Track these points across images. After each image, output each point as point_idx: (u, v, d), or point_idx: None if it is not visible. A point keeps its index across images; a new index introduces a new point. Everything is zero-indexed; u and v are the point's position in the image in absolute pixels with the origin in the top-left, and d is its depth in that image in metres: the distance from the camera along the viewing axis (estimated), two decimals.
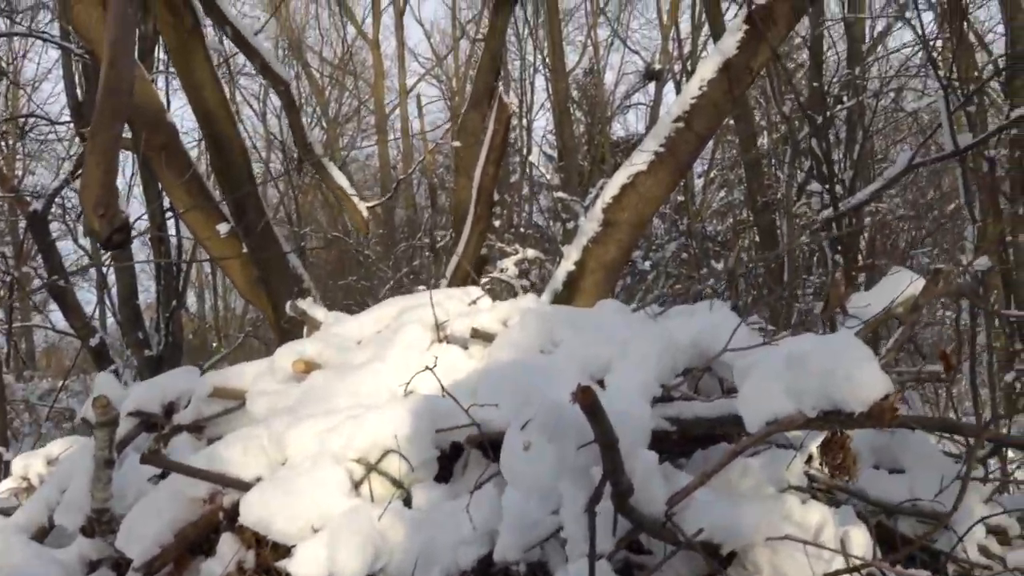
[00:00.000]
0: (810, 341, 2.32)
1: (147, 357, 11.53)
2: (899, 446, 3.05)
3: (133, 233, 12.43)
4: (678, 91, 19.03)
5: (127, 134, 6.78)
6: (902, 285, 3.07)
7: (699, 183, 19.77)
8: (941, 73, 6.42)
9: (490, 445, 2.72)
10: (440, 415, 2.79)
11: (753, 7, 6.75)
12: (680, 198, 15.29)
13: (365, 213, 5.69)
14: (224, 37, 5.70)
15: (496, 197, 6.96)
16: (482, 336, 3.33)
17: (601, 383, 2.89)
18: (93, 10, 5.73)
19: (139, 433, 3.55)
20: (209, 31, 6.47)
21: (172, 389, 3.61)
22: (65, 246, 15.02)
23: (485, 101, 8.25)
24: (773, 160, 14.58)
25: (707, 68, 6.96)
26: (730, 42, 6.89)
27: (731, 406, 2.61)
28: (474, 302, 3.67)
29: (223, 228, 6.22)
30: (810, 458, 2.95)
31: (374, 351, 3.31)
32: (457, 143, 6.23)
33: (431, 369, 2.80)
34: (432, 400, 2.84)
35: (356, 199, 5.73)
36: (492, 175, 6.48)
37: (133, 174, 12.08)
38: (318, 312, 4.17)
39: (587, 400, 2.01)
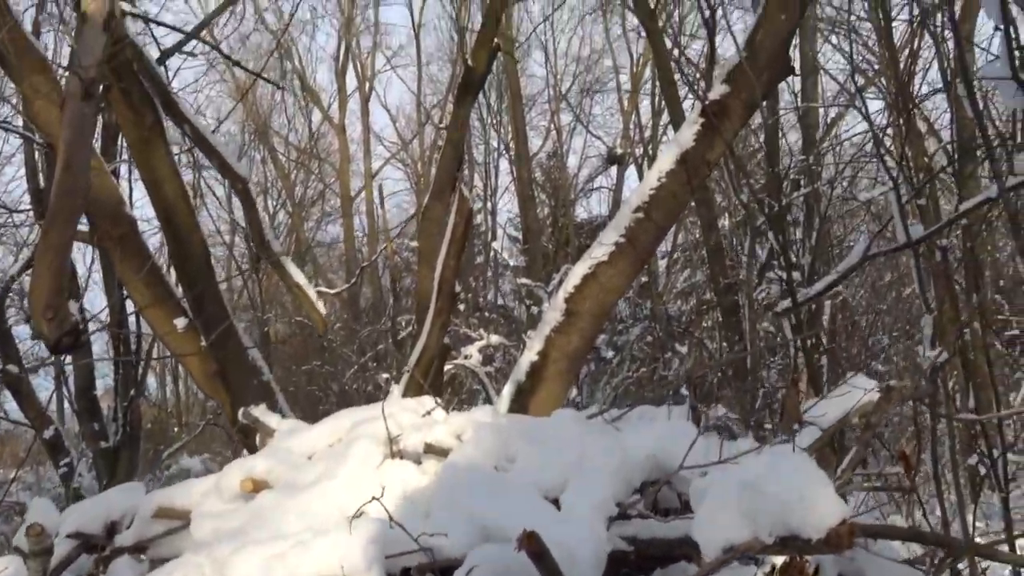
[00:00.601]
0: (766, 463, 2.29)
1: (103, 449, 11.24)
2: (863, 558, 3.00)
3: (93, 325, 12.31)
4: (640, 175, 19.37)
5: (85, 226, 6.71)
6: (858, 394, 3.07)
7: (663, 263, 19.98)
8: (891, 165, 6.57)
9: (441, 573, 2.63)
10: (390, 540, 2.70)
11: (707, 102, 6.91)
12: (644, 278, 15.43)
13: (323, 311, 5.65)
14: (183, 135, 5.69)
15: (458, 288, 6.95)
16: (436, 451, 3.26)
17: (556, 502, 2.83)
18: (52, 108, 5.71)
19: (78, 555, 3.40)
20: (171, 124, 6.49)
21: (115, 508, 3.47)
22: (23, 330, 14.74)
23: (448, 190, 8.29)
24: (735, 241, 14.80)
25: (665, 160, 7.07)
26: (687, 134, 7.02)
27: (688, 527, 2.56)
28: (428, 413, 3.61)
29: (180, 323, 6.13)
30: (772, 569, 2.90)
31: (326, 467, 3.22)
32: (415, 243, 6.19)
33: (379, 500, 2.71)
34: (382, 525, 2.75)
35: (315, 297, 5.68)
36: (453, 268, 6.48)
37: (92, 262, 11.95)
38: (271, 420, 4.08)
39: (532, 547, 1.97)
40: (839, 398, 3.13)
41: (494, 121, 20.40)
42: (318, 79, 25.00)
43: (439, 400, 3.87)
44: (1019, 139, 5.11)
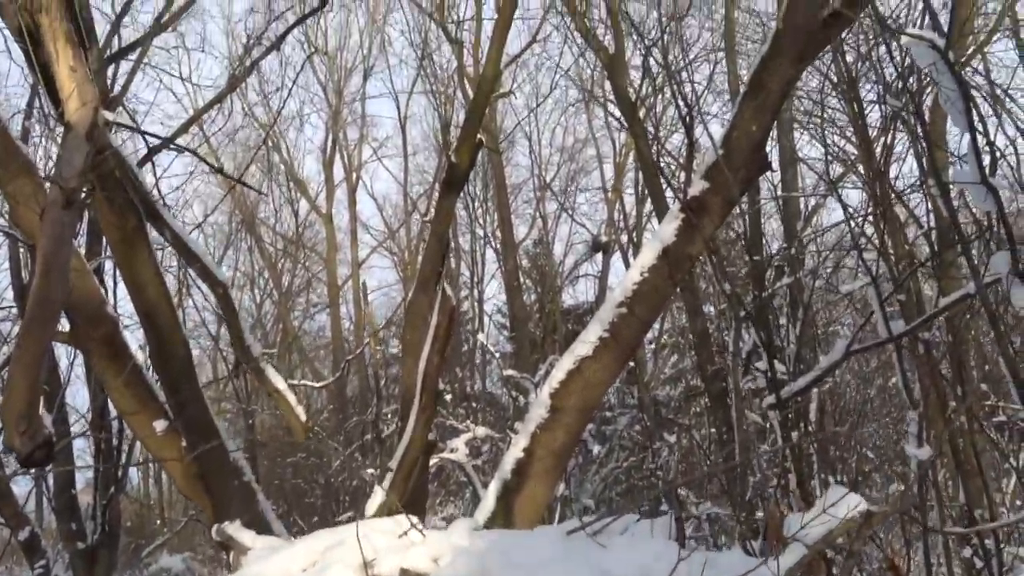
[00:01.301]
0: None
1: (80, 549, 10.97)
2: None
3: (75, 425, 12.14)
4: (625, 262, 19.51)
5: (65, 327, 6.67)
6: (842, 509, 3.03)
7: (650, 348, 19.97)
8: (870, 259, 6.64)
9: None
10: None
11: (686, 199, 7.00)
12: (631, 363, 15.40)
13: (303, 417, 5.59)
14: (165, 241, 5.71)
15: (443, 384, 6.91)
16: None
17: None
18: (34, 214, 5.73)
19: None
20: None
21: None
22: None
23: (432, 283, 8.32)
24: (722, 324, 14.82)
25: (647, 255, 7.12)
26: (668, 230, 7.09)
27: None
28: (404, 534, 3.53)
29: (160, 426, 6.04)
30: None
31: None
32: (399, 346, 6.17)
33: None
34: None
35: (294, 403, 5.63)
36: (437, 365, 6.45)
37: (74, 356, 11.83)
38: (245, 537, 3.99)
39: None
40: (823, 512, 3.09)
41: (480, 210, 20.63)
42: (305, 169, 25.30)
43: (415, 521, 3.78)
44: (995, 235, 5.18)
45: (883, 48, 6.79)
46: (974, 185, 3.80)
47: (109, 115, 4.71)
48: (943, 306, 5.33)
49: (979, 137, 4.14)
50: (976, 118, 5.01)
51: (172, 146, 5.31)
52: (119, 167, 5.03)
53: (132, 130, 5.37)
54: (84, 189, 4.61)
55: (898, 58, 6.51)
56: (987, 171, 4.08)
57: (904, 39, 4.44)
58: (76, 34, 5.56)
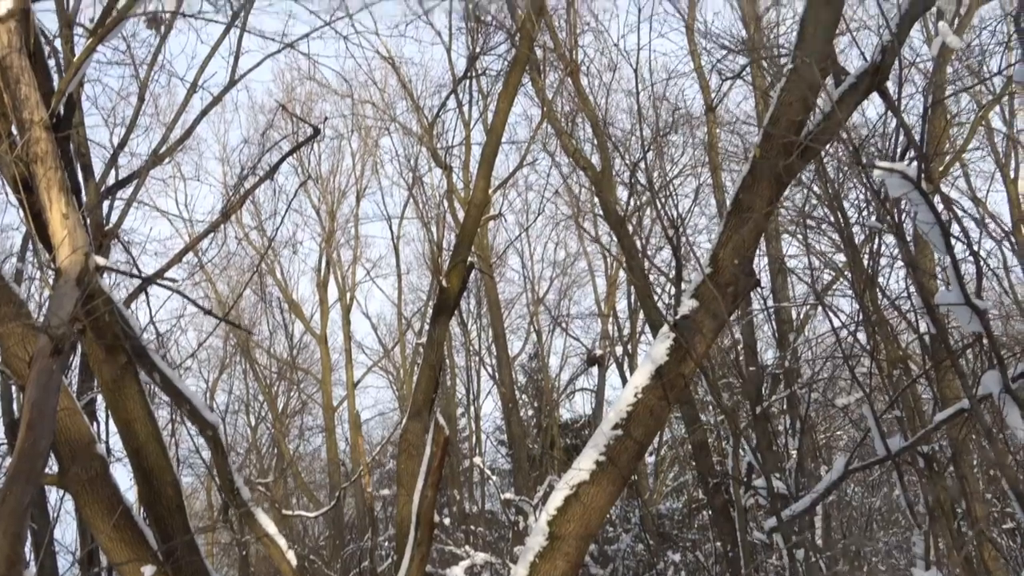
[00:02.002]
0: None
1: None
2: None
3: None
4: (621, 374, 19.43)
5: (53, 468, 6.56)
6: None
7: (651, 460, 19.70)
8: (865, 371, 6.61)
9: None
10: None
11: (676, 319, 7.03)
12: (633, 477, 15.15)
13: (294, 563, 5.44)
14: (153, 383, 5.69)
15: (438, 518, 6.78)
16: None
17: None
18: (23, 359, 5.73)
19: None
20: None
21: None
22: None
23: (426, 411, 8.26)
24: (720, 432, 14.66)
25: (640, 375, 7.10)
26: (660, 349, 7.09)
27: None
28: None
29: (149, 571, 5.87)
30: None
31: None
32: (388, 490, 6.08)
33: None
34: None
35: (285, 548, 5.50)
36: (431, 499, 6.35)
37: (61, 496, 11.59)
38: None
39: None
40: None
41: (474, 327, 20.67)
42: (300, 290, 25.48)
43: None
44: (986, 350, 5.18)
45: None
46: (959, 307, 3.82)
47: (101, 260, 4.75)
48: (938, 421, 5.29)
49: (964, 250, 4.19)
50: (959, 230, 5.10)
51: (160, 283, 5.32)
52: (108, 311, 5.04)
53: (122, 273, 5.41)
54: (75, 330, 4.60)
55: (876, 183, 6.66)
56: (974, 287, 4.12)
57: (877, 172, 4.55)
58: (71, 178, 5.68)
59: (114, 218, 12.20)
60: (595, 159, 14.70)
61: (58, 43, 8.26)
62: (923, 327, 8.50)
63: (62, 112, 5.88)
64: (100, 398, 11.41)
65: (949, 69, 11.46)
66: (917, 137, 5.21)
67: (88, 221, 8.23)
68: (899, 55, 5.39)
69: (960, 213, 6.09)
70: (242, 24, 9.77)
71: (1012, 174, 14.34)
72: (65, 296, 4.44)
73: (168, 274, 8.19)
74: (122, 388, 6.16)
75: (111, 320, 5.28)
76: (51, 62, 7.24)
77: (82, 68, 5.33)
